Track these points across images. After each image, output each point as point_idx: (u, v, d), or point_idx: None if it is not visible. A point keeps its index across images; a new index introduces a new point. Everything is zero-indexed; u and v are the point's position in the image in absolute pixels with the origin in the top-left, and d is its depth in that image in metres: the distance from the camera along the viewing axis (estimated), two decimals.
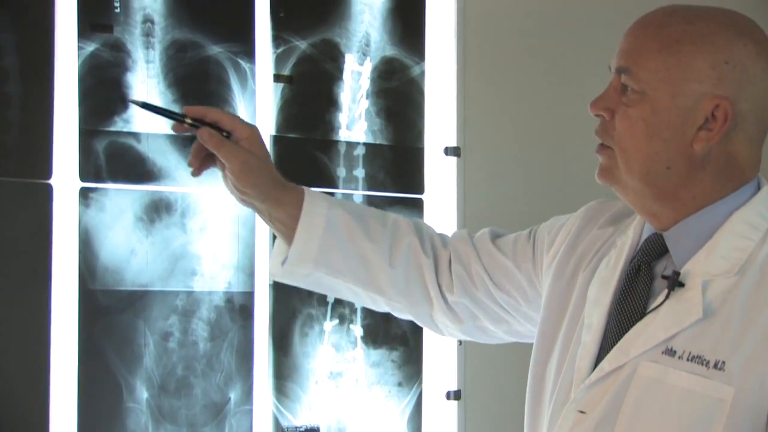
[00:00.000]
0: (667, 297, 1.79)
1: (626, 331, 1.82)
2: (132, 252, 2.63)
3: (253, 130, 2.03)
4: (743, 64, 1.76)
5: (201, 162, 2.03)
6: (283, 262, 2.10)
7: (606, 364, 1.82)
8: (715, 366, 1.71)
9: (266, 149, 2.05)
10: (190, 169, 2.06)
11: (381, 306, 2.20)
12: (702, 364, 1.73)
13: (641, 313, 1.82)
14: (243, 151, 2.00)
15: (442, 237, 2.20)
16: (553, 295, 2.01)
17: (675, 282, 1.79)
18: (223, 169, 2.04)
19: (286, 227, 2.09)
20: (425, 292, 2.16)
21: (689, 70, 1.77)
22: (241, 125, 2.01)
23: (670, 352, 1.76)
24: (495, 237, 2.19)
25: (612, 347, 1.82)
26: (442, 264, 2.17)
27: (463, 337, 2.26)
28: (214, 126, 1.98)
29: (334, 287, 2.16)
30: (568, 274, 2.01)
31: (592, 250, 2.00)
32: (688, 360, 1.74)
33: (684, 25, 1.79)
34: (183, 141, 2.67)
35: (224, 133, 2.00)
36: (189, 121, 1.96)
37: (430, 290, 2.16)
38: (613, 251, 1.94)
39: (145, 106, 2.02)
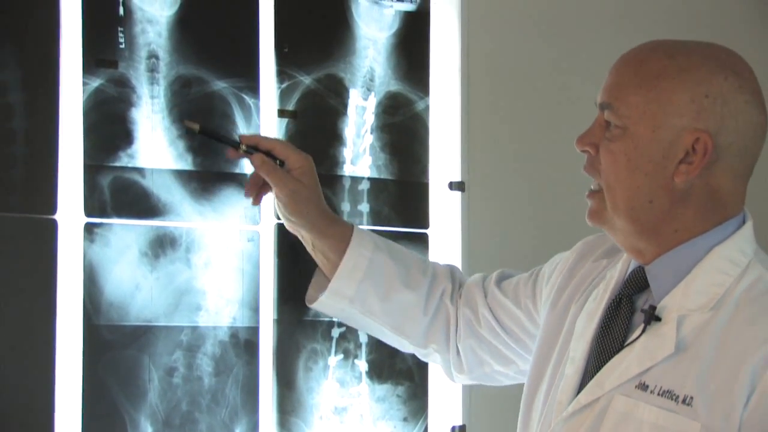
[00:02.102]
0: (643, 331, 1.80)
1: (604, 364, 1.83)
2: (137, 287, 2.63)
3: (306, 160, 2.08)
4: (724, 98, 1.77)
5: (258, 190, 2.08)
6: (321, 295, 2.13)
7: (582, 397, 1.83)
8: (684, 401, 1.72)
9: (317, 180, 2.09)
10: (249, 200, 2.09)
11: (407, 348, 2.23)
12: (672, 399, 1.73)
13: (619, 347, 1.83)
14: (293, 180, 2.05)
15: (462, 283, 2.25)
16: (546, 327, 2.03)
17: (651, 316, 1.80)
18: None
19: (327, 259, 2.14)
20: (447, 339, 2.19)
21: (669, 104, 1.78)
22: (294, 155, 2.06)
23: (643, 387, 1.77)
24: (502, 279, 2.22)
25: (591, 380, 1.83)
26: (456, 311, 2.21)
27: (472, 383, 2.27)
28: (268, 154, 2.02)
29: (364, 324, 2.21)
30: (561, 307, 2.03)
31: (585, 282, 2.02)
32: (659, 395, 1.75)
33: (665, 59, 1.80)
34: (188, 177, 2.68)
35: (277, 161, 2.03)
36: (244, 148, 2.00)
37: (451, 337, 2.19)
38: (602, 284, 1.95)
39: (203, 131, 2.06)
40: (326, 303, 2.18)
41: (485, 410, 3.12)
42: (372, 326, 2.22)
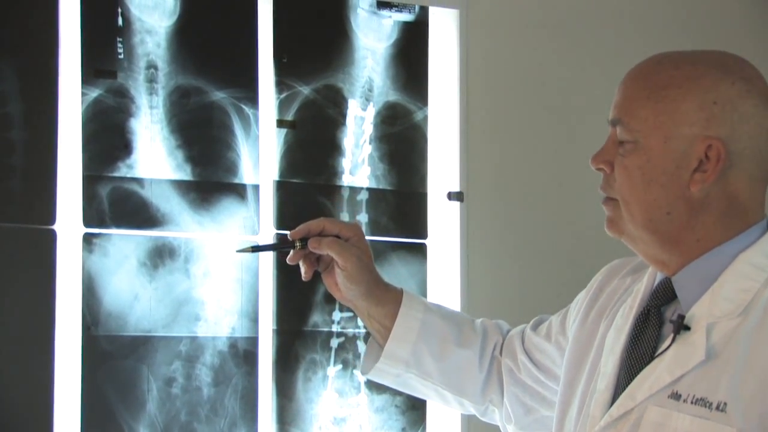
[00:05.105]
0: (673, 341, 1.79)
1: (635, 377, 1.82)
2: (135, 297, 2.63)
3: (356, 228, 2.12)
4: (733, 103, 1.76)
5: (313, 271, 2.12)
6: (377, 361, 2.15)
7: (614, 410, 1.82)
8: (718, 407, 1.71)
9: (369, 245, 2.13)
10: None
11: (467, 409, 2.24)
12: (705, 407, 1.72)
13: (650, 358, 1.82)
14: (354, 247, 2.08)
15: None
16: (576, 344, 2.03)
17: (680, 326, 1.78)
18: (324, 269, 2.11)
19: (382, 326, 2.16)
20: (501, 392, 2.20)
21: (678, 114, 1.77)
22: (345, 227, 2.10)
23: (676, 396, 1.76)
24: (538, 324, 2.23)
25: (622, 393, 1.83)
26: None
27: None
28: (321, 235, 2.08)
29: (422, 389, 2.21)
30: (589, 325, 2.02)
31: (613, 299, 2.01)
32: (692, 403, 1.73)
33: (671, 70, 1.79)
34: (187, 187, 2.68)
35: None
36: (298, 244, 2.05)
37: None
38: (629, 299, 1.94)
39: (255, 249, 2.15)
40: (382, 369, 2.19)
41: (483, 421, 3.12)
42: (430, 390, 2.22)
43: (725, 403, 1.70)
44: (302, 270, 2.12)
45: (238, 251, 2.16)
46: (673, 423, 1.75)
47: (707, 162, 1.76)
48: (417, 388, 2.22)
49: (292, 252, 2.08)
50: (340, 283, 2.12)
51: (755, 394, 1.69)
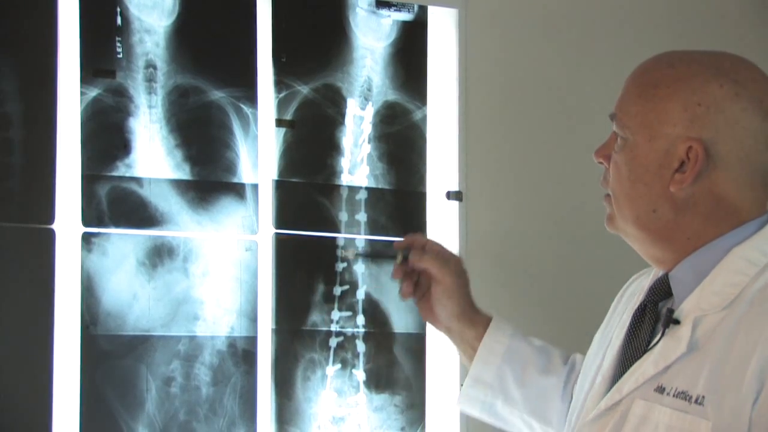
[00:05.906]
0: (662, 335, 1.80)
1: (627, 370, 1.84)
2: (134, 297, 2.63)
3: (457, 256, 2.15)
4: (718, 106, 1.75)
5: (414, 288, 2.16)
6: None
7: (603, 402, 1.84)
8: (696, 401, 1.72)
9: (467, 274, 2.18)
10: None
11: None
12: (685, 400, 1.73)
13: (642, 353, 1.83)
14: (455, 269, 2.10)
15: None
16: (593, 346, 2.05)
17: (669, 320, 1.79)
18: (421, 295, 2.18)
19: (472, 349, 2.20)
20: None
21: (663, 113, 1.77)
22: (447, 250, 2.14)
23: (660, 389, 1.77)
24: None
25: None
26: None
27: None
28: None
29: (510, 418, 2.22)
30: (606, 326, 2.05)
31: (631, 300, 2.03)
32: (674, 396, 1.75)
33: (665, 69, 1.80)
34: (186, 186, 2.68)
35: None
36: (400, 256, 2.11)
37: None
38: (635, 297, 1.96)
39: (358, 255, 2.21)
40: (469, 394, 2.21)
41: (483, 421, 3.11)
42: (516, 419, 2.23)
43: (703, 397, 1.71)
44: (402, 287, 2.16)
45: (343, 255, 2.21)
46: (655, 416, 1.76)
47: (688, 163, 1.77)
48: (505, 417, 2.23)
49: (395, 265, 2.13)
50: (436, 300, 2.15)
51: (731, 387, 1.69)
